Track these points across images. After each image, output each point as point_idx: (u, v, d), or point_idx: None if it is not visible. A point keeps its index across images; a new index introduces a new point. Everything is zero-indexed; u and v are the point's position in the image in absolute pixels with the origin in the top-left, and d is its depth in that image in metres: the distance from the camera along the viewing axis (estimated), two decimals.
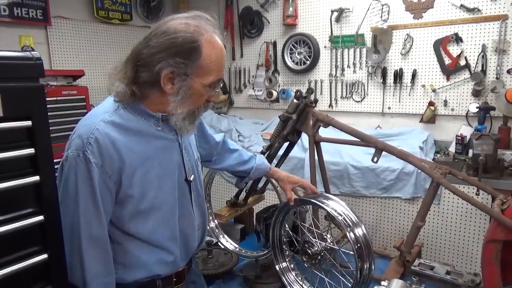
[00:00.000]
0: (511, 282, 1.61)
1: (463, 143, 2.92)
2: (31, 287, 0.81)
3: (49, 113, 3.01)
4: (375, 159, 1.80)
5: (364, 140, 1.84)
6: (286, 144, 2.11)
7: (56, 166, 0.93)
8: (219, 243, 2.11)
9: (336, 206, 1.53)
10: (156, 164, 1.12)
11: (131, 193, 1.09)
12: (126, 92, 1.06)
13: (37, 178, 0.77)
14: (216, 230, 2.17)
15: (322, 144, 2.05)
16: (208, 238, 2.10)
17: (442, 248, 2.73)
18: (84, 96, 3.18)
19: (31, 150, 0.77)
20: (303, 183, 1.60)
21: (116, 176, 1.05)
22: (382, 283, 1.46)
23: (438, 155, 2.97)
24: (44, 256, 0.82)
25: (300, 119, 1.99)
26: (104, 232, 1.06)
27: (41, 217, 0.80)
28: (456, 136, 2.96)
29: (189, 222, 1.25)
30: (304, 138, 2.12)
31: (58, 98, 3.01)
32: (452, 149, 3.01)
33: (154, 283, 1.19)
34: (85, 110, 3.18)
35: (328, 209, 1.49)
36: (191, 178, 1.24)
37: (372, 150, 1.81)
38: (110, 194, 1.06)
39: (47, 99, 2.88)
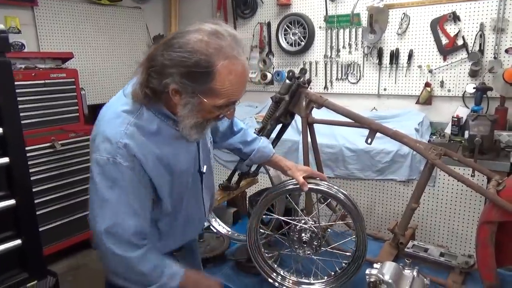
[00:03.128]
0: (505, 264, 1.60)
1: (459, 125, 2.88)
2: (5, 274, 0.77)
3: (37, 97, 2.92)
4: (369, 140, 1.76)
5: (358, 121, 1.79)
6: (279, 127, 2.07)
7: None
8: (210, 227, 2.08)
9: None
10: (176, 163, 1.14)
11: (158, 194, 1.14)
12: (139, 94, 1.05)
13: (6, 160, 0.72)
14: (208, 214, 2.14)
15: (317, 126, 2.00)
16: None
17: (437, 230, 2.72)
18: (73, 79, 3.11)
19: None
20: (312, 172, 1.51)
21: (148, 177, 1.09)
22: (375, 265, 1.44)
23: (434, 137, 2.93)
24: (18, 241, 0.78)
25: (292, 100, 1.94)
26: (140, 227, 1.10)
27: (12, 201, 0.76)
28: (452, 117, 2.92)
29: (197, 208, 1.32)
30: (299, 120, 2.07)
31: (47, 81, 2.94)
32: (448, 130, 2.97)
33: None
34: (75, 94, 3.12)
35: (346, 203, 1.46)
36: (204, 170, 1.28)
37: (367, 132, 1.76)
38: (146, 190, 1.10)
39: (35, 82, 2.81)
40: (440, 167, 1.58)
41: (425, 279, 1.45)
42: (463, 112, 2.91)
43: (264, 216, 1.68)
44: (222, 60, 0.97)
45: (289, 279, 1.63)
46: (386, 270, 1.38)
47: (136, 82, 1.06)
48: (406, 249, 1.75)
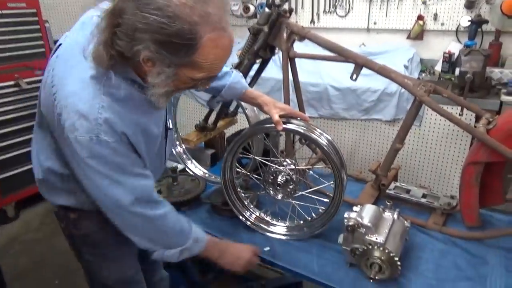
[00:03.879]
0: (487, 204, 1.55)
1: (450, 61, 2.74)
2: None
3: None
4: (354, 76, 1.62)
5: (342, 55, 1.64)
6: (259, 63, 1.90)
7: None
8: (186, 169, 1.99)
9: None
10: (151, 128, 1.07)
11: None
12: (103, 56, 0.88)
13: None
14: (184, 156, 2.03)
15: (301, 63, 1.84)
16: (174, 164, 1.97)
17: (421, 171, 2.68)
18: (35, 10, 2.82)
19: None
20: (291, 111, 1.38)
21: (132, 147, 1.01)
22: (354, 208, 1.37)
23: (423, 74, 2.80)
24: None
25: (272, 32, 1.75)
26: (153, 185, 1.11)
27: None
28: (444, 53, 2.77)
29: (159, 161, 1.25)
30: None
31: (4, 12, 2.65)
32: (438, 68, 2.83)
33: None
34: (38, 26, 2.85)
35: (326, 149, 1.34)
36: (170, 125, 1.24)
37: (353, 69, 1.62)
38: (136, 155, 1.04)
39: None
40: (428, 104, 1.47)
41: (405, 221, 1.40)
42: (455, 48, 2.75)
43: (241, 156, 1.59)
44: (209, 32, 0.83)
45: (258, 216, 1.58)
46: (365, 213, 1.32)
47: (97, 41, 0.88)
48: (387, 191, 1.69)
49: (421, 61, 2.91)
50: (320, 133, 1.39)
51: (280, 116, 1.33)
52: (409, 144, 2.61)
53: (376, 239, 1.25)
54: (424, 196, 1.65)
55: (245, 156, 1.61)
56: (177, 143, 2.03)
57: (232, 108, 2.12)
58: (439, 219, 1.56)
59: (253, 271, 2.24)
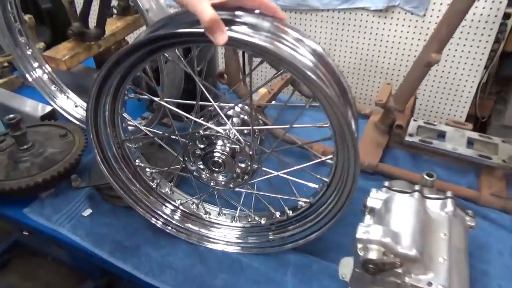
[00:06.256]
0: None
1: None
2: None
3: None
4: None
5: None
6: None
7: None
8: (58, 110, 1.15)
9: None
10: None
11: None
12: None
13: None
14: (52, 87, 1.17)
15: None
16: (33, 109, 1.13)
17: (423, 89, 1.94)
18: None
19: None
20: None
21: None
22: (369, 202, 0.67)
23: None
24: None
25: None
26: None
27: None
28: None
29: None
30: None
31: None
32: None
33: None
34: None
35: (323, 87, 0.53)
36: None
37: None
38: None
39: None
40: None
41: (466, 216, 0.71)
42: None
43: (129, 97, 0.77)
44: None
45: (187, 213, 0.84)
46: (399, 222, 0.61)
47: None
48: (407, 138, 0.97)
49: None
50: (309, 46, 0.57)
51: (217, 7, 0.50)
52: (405, 46, 1.84)
53: (430, 284, 0.56)
54: (470, 143, 0.95)
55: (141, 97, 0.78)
56: (36, 64, 1.15)
57: None
58: (500, 186, 0.89)
59: None
